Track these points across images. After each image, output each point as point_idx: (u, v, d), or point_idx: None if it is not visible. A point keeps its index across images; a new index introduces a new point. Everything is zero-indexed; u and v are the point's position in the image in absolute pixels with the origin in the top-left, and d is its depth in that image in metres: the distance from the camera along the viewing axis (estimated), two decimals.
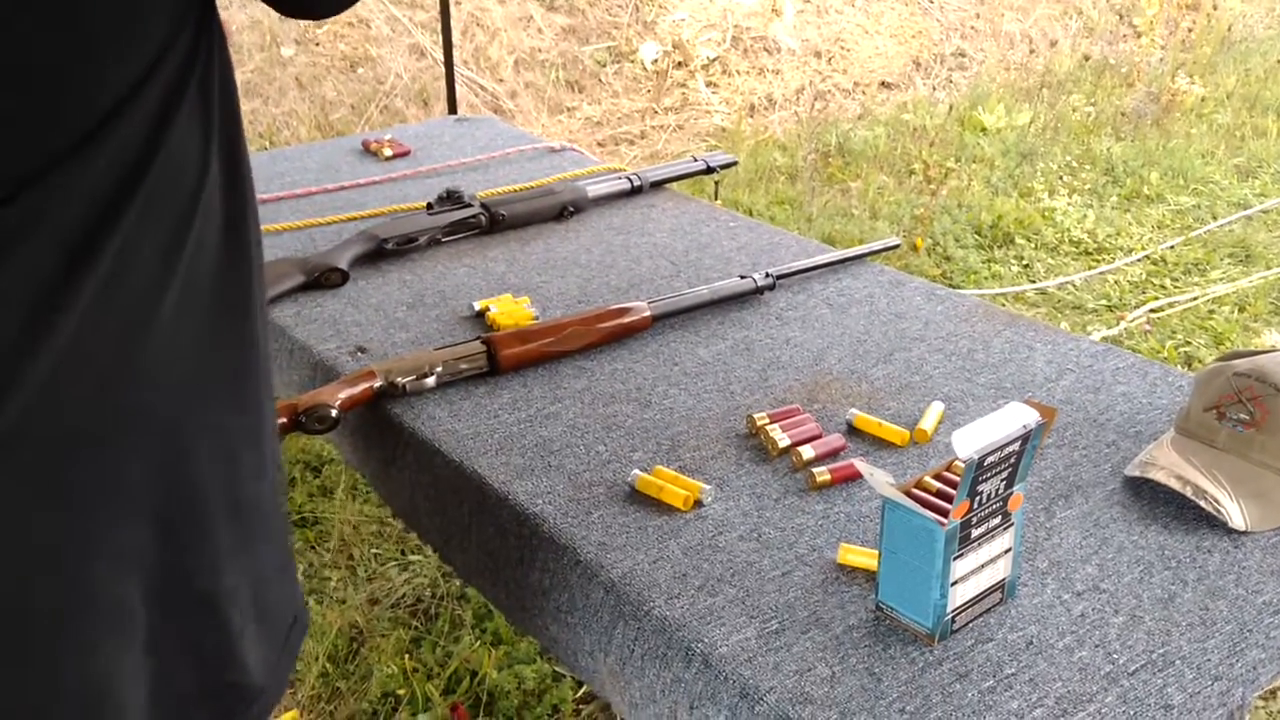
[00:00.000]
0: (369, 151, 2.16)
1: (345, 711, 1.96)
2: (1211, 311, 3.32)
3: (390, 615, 2.18)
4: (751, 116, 5.00)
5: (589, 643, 1.02)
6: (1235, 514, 1.05)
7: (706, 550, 1.04)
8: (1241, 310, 3.33)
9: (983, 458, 0.86)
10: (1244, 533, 1.04)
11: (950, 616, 0.91)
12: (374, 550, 2.36)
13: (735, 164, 2.15)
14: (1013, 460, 0.90)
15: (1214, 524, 1.05)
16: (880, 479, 0.89)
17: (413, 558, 2.33)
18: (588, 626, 1.02)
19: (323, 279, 1.61)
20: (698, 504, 1.11)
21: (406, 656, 2.04)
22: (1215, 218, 4.00)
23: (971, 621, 0.94)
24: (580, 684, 1.97)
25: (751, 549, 1.04)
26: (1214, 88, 5.47)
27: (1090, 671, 0.88)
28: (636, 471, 1.15)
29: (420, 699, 1.95)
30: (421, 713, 1.94)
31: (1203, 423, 1.12)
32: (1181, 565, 1.00)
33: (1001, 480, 0.90)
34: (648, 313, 1.46)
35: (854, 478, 1.13)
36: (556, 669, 2.00)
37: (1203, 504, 1.05)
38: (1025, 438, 0.90)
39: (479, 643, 2.07)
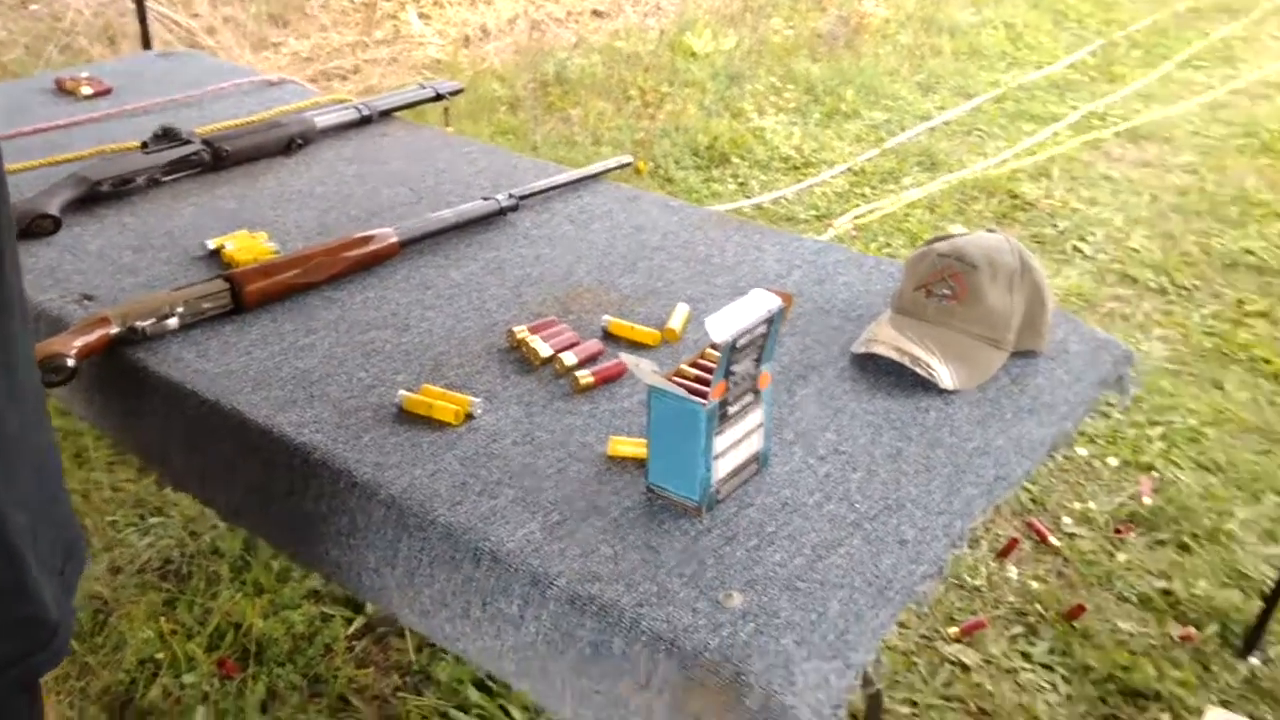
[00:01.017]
0: (64, 91, 2.00)
1: (99, 685, 1.86)
2: (907, 215, 3.64)
3: (137, 581, 2.07)
4: (467, 48, 4.95)
5: (373, 560, 1.03)
6: (945, 376, 1.19)
7: (482, 458, 1.07)
8: (931, 211, 3.66)
9: (736, 340, 0.94)
10: (954, 391, 1.19)
11: (715, 489, 0.99)
12: (109, 518, 2.23)
13: (462, 91, 2.14)
14: (760, 341, 0.99)
15: (929, 387, 1.19)
16: (645, 368, 0.95)
17: (153, 520, 2.22)
18: (371, 544, 1.03)
19: (32, 227, 1.49)
20: (469, 417, 1.13)
21: (161, 620, 1.96)
22: (903, 129, 4.36)
23: (733, 492, 1.02)
24: (351, 621, 1.96)
25: (526, 452, 1.08)
26: (896, 9, 5.89)
27: (838, 520, 0.99)
28: (402, 392, 1.16)
29: (183, 660, 1.89)
30: (186, 673, 1.87)
31: (914, 300, 1.26)
32: (905, 424, 1.14)
33: (752, 360, 0.99)
34: (395, 239, 1.45)
35: (615, 378, 1.20)
36: (325, 609, 1.98)
37: (919, 370, 1.19)
38: (770, 320, 0.98)
39: (240, 594, 2.01)
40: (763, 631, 0.86)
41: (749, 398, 1.00)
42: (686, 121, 4.32)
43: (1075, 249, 3.43)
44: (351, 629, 1.95)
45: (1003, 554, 2.20)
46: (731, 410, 0.98)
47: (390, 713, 1.83)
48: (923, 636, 2.03)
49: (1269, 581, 2.00)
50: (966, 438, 1.12)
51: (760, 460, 1.05)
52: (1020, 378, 1.22)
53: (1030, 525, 2.29)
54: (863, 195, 3.82)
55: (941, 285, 1.24)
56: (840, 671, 0.85)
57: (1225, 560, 2.20)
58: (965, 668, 1.96)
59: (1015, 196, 3.78)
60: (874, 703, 1.83)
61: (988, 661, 1.98)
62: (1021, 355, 1.26)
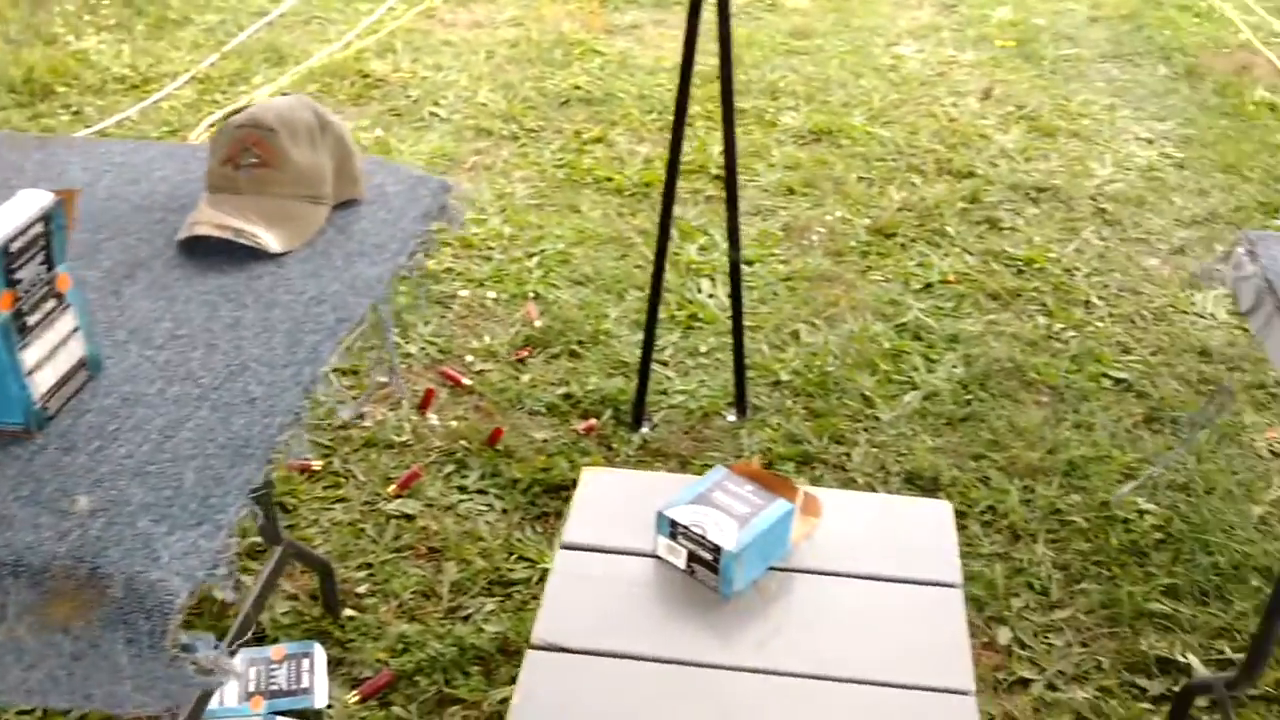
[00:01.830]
0: None
1: None
2: None
3: None
4: None
5: None
6: (271, 241, 1.21)
7: None
8: None
9: (8, 245, 0.88)
10: (284, 254, 1.22)
11: (40, 405, 0.94)
12: None
13: None
14: (43, 243, 0.93)
15: (259, 254, 1.21)
16: None
17: None
18: None
19: None
20: None
21: None
22: (241, 29, 4.20)
23: (66, 403, 0.98)
24: None
25: None
26: None
27: (183, 400, 0.99)
28: None
29: None
30: None
31: (224, 176, 1.26)
32: (240, 294, 1.15)
33: (40, 265, 0.94)
34: None
35: None
36: None
37: (245, 241, 1.20)
38: (45, 218, 0.93)
39: None
40: (115, 522, 0.85)
41: (51, 304, 0.95)
42: None
43: (432, 114, 3.59)
44: None
45: (422, 406, 2.33)
46: (31, 320, 0.93)
47: None
48: (365, 504, 2.10)
49: (640, 364, 2.32)
50: (302, 290, 1.16)
51: (90, 365, 1.01)
52: (345, 226, 1.28)
53: (443, 374, 2.44)
54: (214, 102, 3.66)
55: (247, 155, 1.25)
56: (210, 534, 0.86)
57: (607, 355, 2.52)
58: (410, 517, 2.08)
59: (366, 75, 3.84)
60: (325, 574, 1.88)
61: (429, 505, 2.11)
62: (343, 205, 1.32)
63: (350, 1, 4.51)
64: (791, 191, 3.20)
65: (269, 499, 1.82)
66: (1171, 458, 2.22)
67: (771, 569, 1.37)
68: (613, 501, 1.45)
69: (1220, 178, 3.32)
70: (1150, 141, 3.53)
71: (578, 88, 3.78)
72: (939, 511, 1.47)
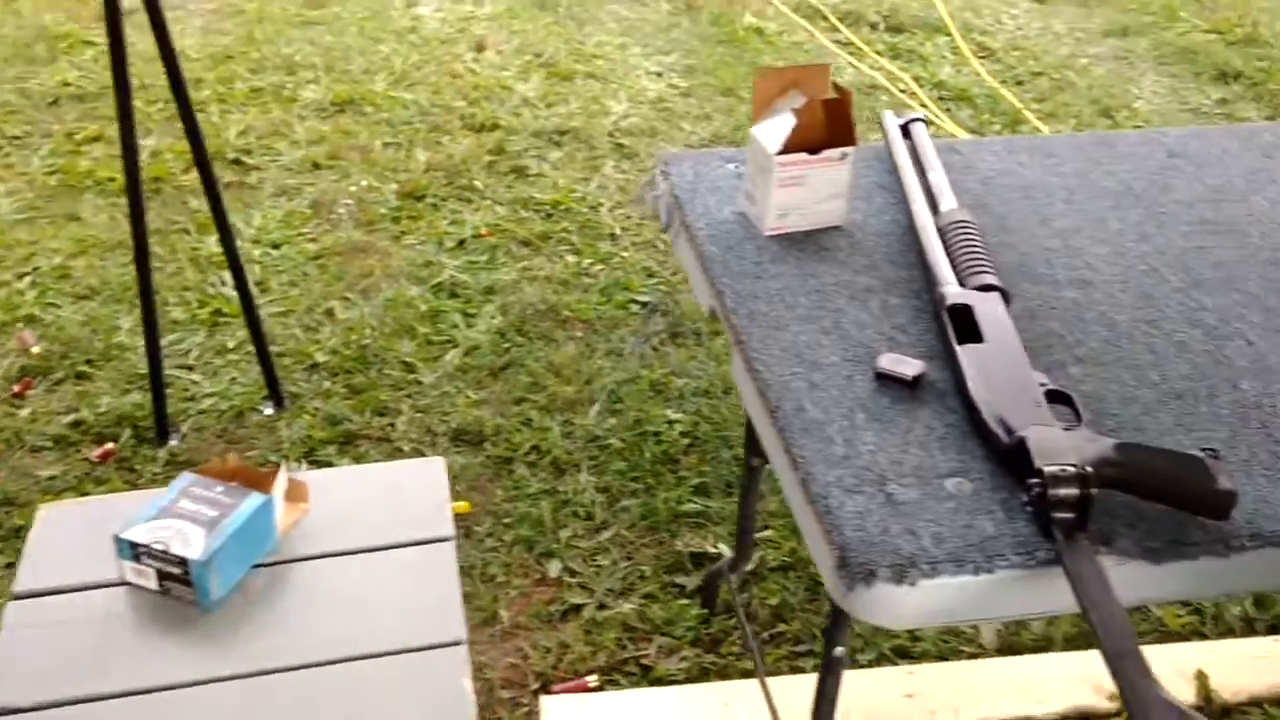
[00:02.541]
0: None
1: None
2: None
3: None
4: None
5: None
6: None
7: None
8: None
9: None
10: None
11: None
12: None
13: None
14: None
15: None
16: None
17: None
18: None
19: None
20: None
21: None
22: None
23: None
24: None
25: None
26: None
27: None
28: None
29: None
30: None
31: None
32: None
33: None
34: None
35: None
36: None
37: None
38: None
39: None
40: None
41: None
42: None
43: None
44: None
45: None
46: None
47: None
48: None
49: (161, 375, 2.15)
50: None
51: None
52: None
53: None
54: None
55: None
56: None
57: (122, 371, 2.32)
58: None
59: None
60: None
61: None
62: None
63: None
64: (317, 166, 3.09)
65: None
66: (622, 372, 2.38)
67: (257, 566, 1.31)
68: (73, 536, 1.33)
69: (721, 101, 3.58)
70: (659, 75, 3.74)
71: (67, 84, 3.42)
72: (431, 469, 1.47)
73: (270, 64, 3.62)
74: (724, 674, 1.77)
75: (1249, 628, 1.88)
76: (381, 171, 3.07)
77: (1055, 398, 1.03)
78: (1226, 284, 1.27)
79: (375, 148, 3.19)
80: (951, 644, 1.84)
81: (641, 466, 2.15)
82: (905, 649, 1.82)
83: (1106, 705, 1.72)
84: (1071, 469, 0.90)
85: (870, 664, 1.80)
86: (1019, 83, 3.92)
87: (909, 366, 1.09)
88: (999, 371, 1.04)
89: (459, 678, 1.22)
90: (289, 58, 3.67)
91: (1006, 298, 1.16)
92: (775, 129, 1.29)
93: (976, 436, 1.01)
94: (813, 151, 1.29)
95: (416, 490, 1.46)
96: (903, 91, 3.74)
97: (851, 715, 1.65)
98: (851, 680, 1.76)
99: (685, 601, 1.88)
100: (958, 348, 1.08)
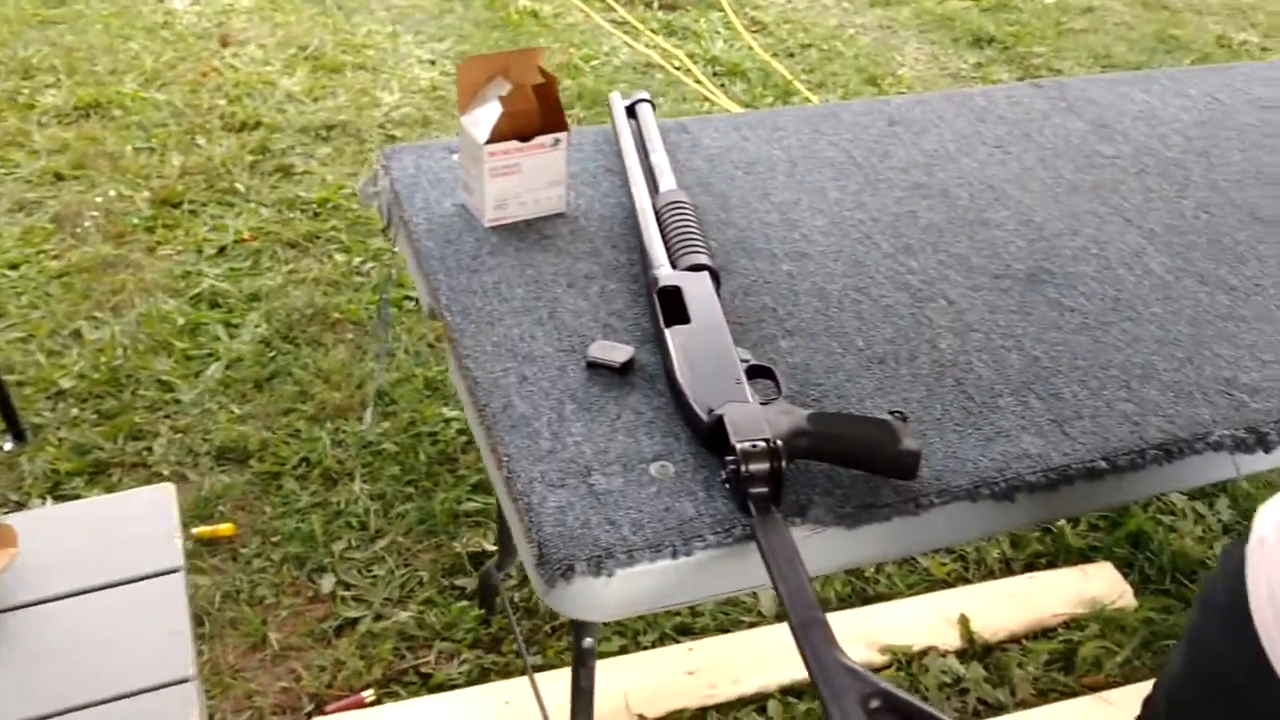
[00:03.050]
0: None
1: None
2: None
3: None
4: None
5: None
6: None
7: None
8: None
9: None
10: None
11: None
12: None
13: None
14: None
15: None
16: None
17: None
18: None
19: None
20: None
21: None
22: None
23: None
24: None
25: None
26: None
27: None
28: None
29: None
30: None
31: None
32: None
33: None
34: None
35: None
36: None
37: None
38: None
39: None
40: None
41: None
42: None
43: None
44: None
45: None
46: None
47: None
48: None
49: None
50: None
51: None
52: None
53: None
54: None
55: None
56: None
57: None
58: None
59: None
60: None
61: None
62: None
63: None
64: (60, 177, 2.89)
65: None
66: (374, 382, 2.33)
67: None
68: None
69: None
70: (432, 62, 3.66)
71: None
72: (159, 496, 1.39)
73: (3, 68, 3.36)
74: (505, 673, 1.74)
75: (1007, 568, 1.97)
76: (133, 179, 2.89)
77: (757, 372, 1.03)
78: (934, 246, 1.31)
79: (125, 153, 3.00)
80: (732, 615, 1.86)
81: (417, 469, 2.10)
82: (687, 626, 1.84)
83: (880, 659, 1.77)
84: (763, 443, 0.90)
85: (653, 645, 1.81)
86: (790, 55, 4.01)
87: (619, 353, 1.07)
88: (702, 351, 1.04)
89: (188, 717, 1.15)
90: (25, 60, 3.42)
91: (716, 276, 1.16)
92: (484, 117, 1.26)
93: (681, 418, 1.01)
94: (524, 139, 1.26)
95: (143, 521, 1.37)
96: (678, 68, 3.77)
97: (631, 700, 1.65)
98: (633, 664, 1.78)
99: (465, 604, 1.84)
100: (665, 330, 1.07)
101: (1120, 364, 1.12)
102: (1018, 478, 0.97)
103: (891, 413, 0.96)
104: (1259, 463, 1.04)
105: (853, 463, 0.95)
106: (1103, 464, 1.00)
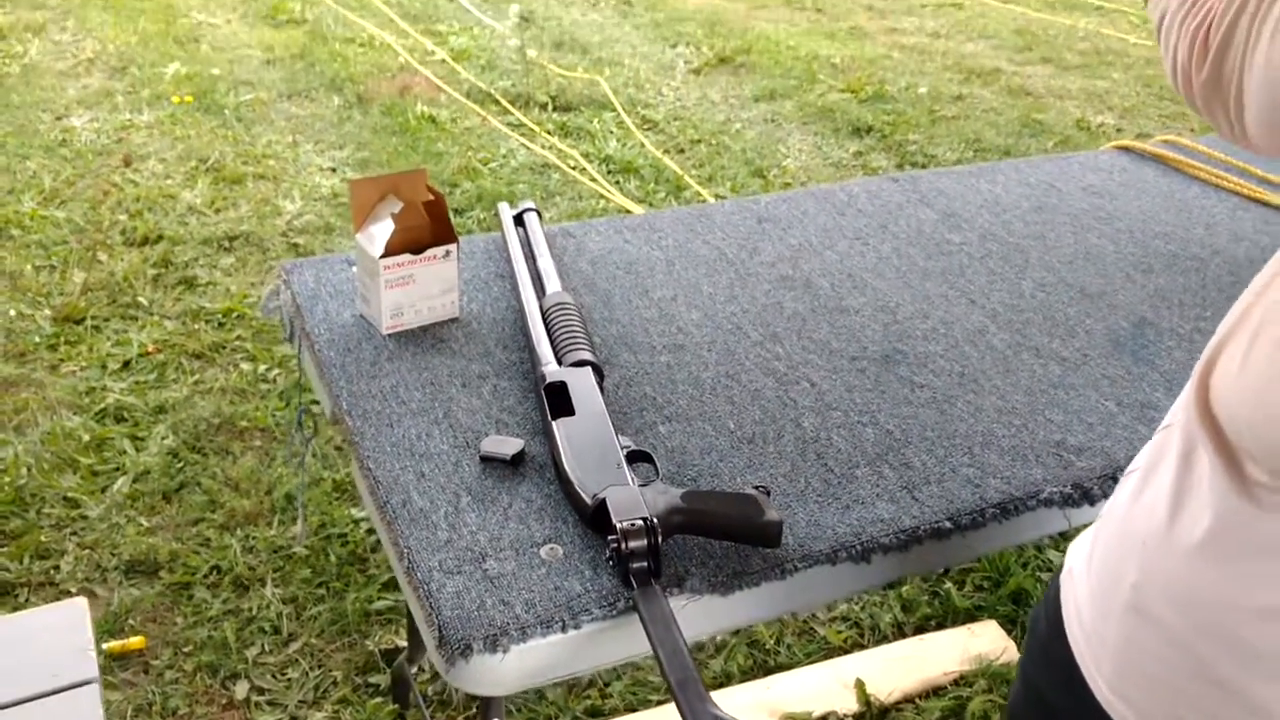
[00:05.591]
0: None
1: None
2: None
3: None
4: None
5: None
6: None
7: None
8: None
9: None
10: None
11: None
12: None
13: None
14: None
15: None
16: None
17: None
18: None
19: None
20: None
21: None
22: None
23: None
24: None
25: None
26: None
27: None
28: None
29: None
30: None
31: None
32: None
33: None
34: None
35: None
36: None
37: None
38: None
39: None
40: None
41: None
42: None
43: None
44: None
45: None
46: None
47: None
48: None
49: None
50: None
51: None
52: None
53: None
54: None
55: None
56: None
57: None
58: None
59: None
60: None
61: None
62: None
63: None
64: None
65: None
66: (301, 493, 2.38)
67: None
68: None
69: None
70: (333, 170, 3.76)
71: None
72: (70, 611, 1.42)
73: None
74: None
75: (899, 631, 2.08)
76: (34, 297, 2.91)
77: (637, 457, 1.13)
78: (799, 333, 1.43)
79: (25, 272, 3.02)
80: (640, 694, 1.92)
81: (329, 571, 2.14)
82: (597, 708, 1.90)
83: None
84: (640, 521, 1.00)
85: None
86: (680, 151, 4.20)
87: (509, 446, 1.16)
88: (586, 440, 1.13)
89: None
90: None
91: (600, 370, 1.26)
92: (379, 233, 1.35)
93: (568, 503, 1.10)
94: (417, 251, 1.36)
95: (57, 635, 1.40)
96: (573, 168, 3.92)
97: None
98: None
99: (379, 700, 1.88)
100: (552, 423, 1.16)
101: (964, 433, 1.24)
102: (873, 540, 1.08)
103: (756, 487, 1.07)
104: (1087, 514, 1.16)
105: (723, 535, 1.05)
106: (948, 524, 1.11)
